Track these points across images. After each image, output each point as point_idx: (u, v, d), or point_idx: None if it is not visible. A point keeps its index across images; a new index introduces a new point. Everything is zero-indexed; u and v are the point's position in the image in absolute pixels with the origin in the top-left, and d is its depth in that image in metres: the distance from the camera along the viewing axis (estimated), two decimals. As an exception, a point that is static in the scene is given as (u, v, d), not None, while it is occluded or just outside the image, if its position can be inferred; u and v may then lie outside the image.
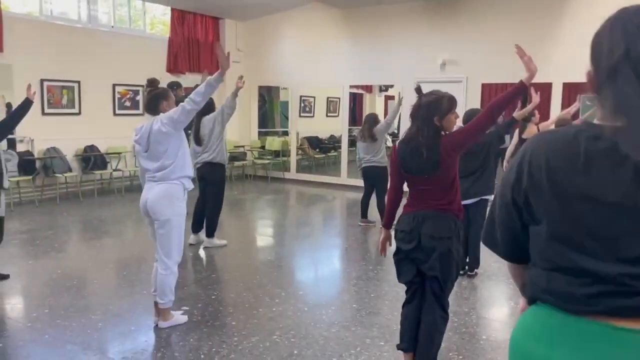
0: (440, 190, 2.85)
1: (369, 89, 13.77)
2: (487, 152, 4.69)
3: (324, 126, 13.97)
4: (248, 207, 8.69)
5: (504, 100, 2.83)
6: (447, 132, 2.82)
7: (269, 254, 5.85)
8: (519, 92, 2.82)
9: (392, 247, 3.10)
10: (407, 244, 2.87)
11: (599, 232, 1.07)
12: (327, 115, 14.37)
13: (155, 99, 3.63)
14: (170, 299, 3.70)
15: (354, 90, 11.70)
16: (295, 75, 10.94)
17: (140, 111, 9.83)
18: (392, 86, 13.39)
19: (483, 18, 8.67)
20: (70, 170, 8.67)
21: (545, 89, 8.98)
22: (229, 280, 4.86)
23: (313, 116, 13.74)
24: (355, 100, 13.25)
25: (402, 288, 4.48)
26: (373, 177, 6.77)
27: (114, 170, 9.18)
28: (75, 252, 5.96)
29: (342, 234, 6.95)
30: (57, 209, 7.88)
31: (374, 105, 15.03)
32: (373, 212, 6.98)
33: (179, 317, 3.82)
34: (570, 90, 8.56)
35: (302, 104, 12.84)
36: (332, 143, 13.41)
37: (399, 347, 3.06)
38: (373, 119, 6.79)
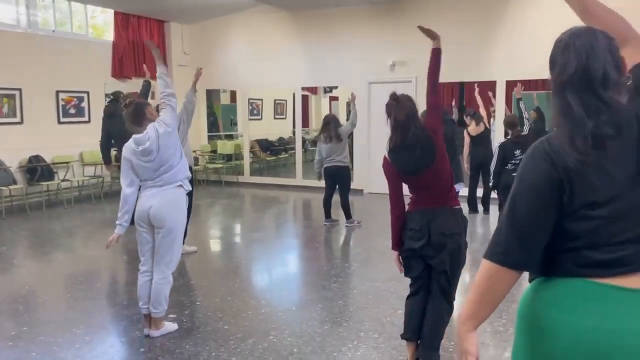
0: (442, 186, 2.98)
1: (314, 90, 13.92)
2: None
3: (272, 129, 13.99)
4: (206, 213, 8.58)
5: (434, 70, 3.09)
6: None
7: (243, 257, 5.83)
8: (438, 56, 3.10)
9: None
10: (417, 242, 2.94)
11: None
12: (275, 118, 14.41)
13: (139, 109, 3.60)
14: (164, 308, 3.65)
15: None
16: (244, 78, 10.90)
17: (87, 118, 9.50)
18: (336, 87, 13.62)
19: (430, 19, 8.98)
20: (14, 182, 8.23)
21: (489, 87, 9.49)
22: (209, 285, 4.81)
23: (261, 119, 13.72)
24: (301, 102, 13.37)
25: (384, 282, 4.68)
26: (337, 176, 6.90)
27: (62, 180, 8.80)
28: (37, 267, 5.69)
29: (309, 234, 7.02)
30: (4, 224, 7.46)
31: (319, 106, 15.21)
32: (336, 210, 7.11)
33: (169, 325, 3.77)
34: (513, 88, 9.05)
35: (250, 107, 12.80)
36: (283, 145, 13.46)
37: (403, 337, 3.18)
38: (335, 120, 6.93)
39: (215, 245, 6.56)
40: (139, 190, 3.64)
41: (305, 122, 12.89)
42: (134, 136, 3.54)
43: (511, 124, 5.93)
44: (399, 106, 2.94)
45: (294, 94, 11.40)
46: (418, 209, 2.99)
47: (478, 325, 1.41)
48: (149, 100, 6.73)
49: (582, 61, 1.27)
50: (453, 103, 9.15)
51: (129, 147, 3.55)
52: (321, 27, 9.93)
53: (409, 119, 2.92)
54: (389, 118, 2.99)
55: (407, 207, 3.09)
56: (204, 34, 11.18)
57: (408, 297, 3.22)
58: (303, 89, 10.91)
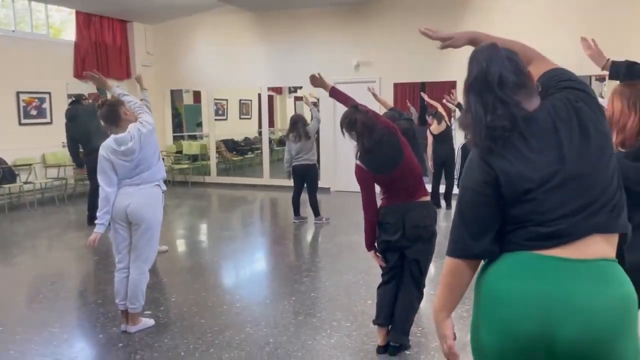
0: (415, 176, 3.20)
1: (279, 90, 14.03)
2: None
3: (238, 129, 14.03)
4: (174, 213, 8.59)
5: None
6: None
7: (214, 255, 5.91)
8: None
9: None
10: (393, 235, 3.16)
11: None
12: (240, 118, 14.45)
13: (114, 109, 3.65)
14: (141, 304, 3.73)
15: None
16: (210, 78, 10.93)
17: (49, 120, 9.36)
18: (300, 87, 13.76)
19: (393, 21, 9.27)
20: (-25, 185, 8.05)
21: (451, 87, 9.80)
22: (182, 283, 4.89)
23: (226, 119, 13.75)
24: (267, 102, 13.45)
25: (354, 275, 4.87)
26: (305, 175, 7.07)
27: (25, 183, 8.65)
28: (5, 270, 5.62)
29: (280, 231, 7.15)
30: (-34, 228, 7.31)
31: (284, 106, 15.34)
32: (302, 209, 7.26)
33: (146, 320, 3.85)
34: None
35: (215, 107, 12.81)
36: (249, 145, 13.52)
37: (375, 323, 3.36)
38: (302, 119, 7.09)
39: (185, 245, 6.61)
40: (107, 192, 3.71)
41: (271, 122, 12.98)
42: (114, 136, 3.61)
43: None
44: (359, 113, 3.16)
45: (259, 94, 11.50)
46: (392, 204, 3.19)
47: (450, 313, 1.61)
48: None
49: (483, 68, 1.51)
50: (408, 103, 9.40)
51: (108, 146, 3.60)
52: (286, 27, 10.07)
53: (366, 126, 3.12)
54: (349, 133, 3.20)
55: (380, 203, 3.29)
56: (168, 34, 11.15)
57: (380, 286, 3.41)
58: (268, 89, 11.01)
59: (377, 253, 3.30)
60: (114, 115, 3.63)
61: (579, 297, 1.39)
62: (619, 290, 1.42)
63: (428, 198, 3.30)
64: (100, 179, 3.62)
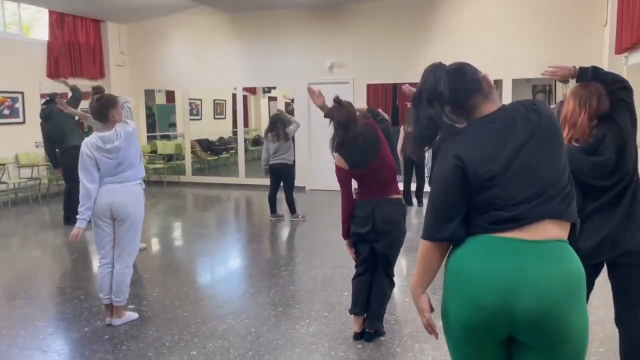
0: (390, 172, 3.40)
1: (253, 90, 14.13)
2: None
3: (212, 129, 14.09)
4: (151, 212, 8.64)
5: None
6: None
7: (193, 252, 6.02)
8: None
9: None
10: (363, 228, 3.38)
11: None
12: (214, 118, 14.51)
13: (104, 107, 3.72)
14: (126, 297, 3.85)
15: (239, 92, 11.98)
16: (184, 78, 10.98)
17: (22, 119, 9.29)
18: (274, 88, 13.90)
19: (367, 23, 9.49)
20: (-54, 185, 7.96)
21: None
22: (163, 279, 5.00)
23: (201, 119, 13.80)
24: (236, 102, 13.53)
25: (330, 269, 5.06)
26: (282, 173, 7.22)
27: (-2, 183, 8.58)
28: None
29: (257, 229, 7.29)
30: (-62, 228, 7.24)
31: (258, 106, 15.47)
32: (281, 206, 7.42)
33: (130, 314, 3.96)
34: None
35: (189, 107, 12.84)
36: (223, 145, 13.59)
37: (351, 312, 3.56)
38: (283, 119, 7.23)
39: (164, 243, 6.70)
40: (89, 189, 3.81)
41: (245, 122, 13.08)
42: (99, 134, 3.70)
43: None
44: (340, 108, 3.35)
45: (233, 94, 11.58)
46: (364, 199, 3.40)
47: (424, 289, 1.83)
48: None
49: (425, 83, 1.76)
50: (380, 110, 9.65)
51: (92, 143, 3.69)
52: (261, 28, 10.20)
53: (349, 118, 3.34)
54: (331, 120, 3.39)
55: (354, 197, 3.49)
56: (143, 34, 11.16)
57: (354, 277, 3.62)
58: (243, 89, 11.12)
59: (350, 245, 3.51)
60: (103, 113, 3.72)
61: (533, 273, 1.61)
62: (568, 265, 1.65)
63: (399, 196, 3.50)
64: (81, 175, 3.70)
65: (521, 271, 1.61)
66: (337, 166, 3.41)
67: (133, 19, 10.93)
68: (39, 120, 7.45)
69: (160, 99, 13.41)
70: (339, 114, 3.36)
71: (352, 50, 9.59)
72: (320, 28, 9.76)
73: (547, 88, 13.92)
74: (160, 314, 4.05)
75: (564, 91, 13.23)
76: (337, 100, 3.43)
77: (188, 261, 5.65)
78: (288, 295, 4.43)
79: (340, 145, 3.35)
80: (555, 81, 12.12)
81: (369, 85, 9.72)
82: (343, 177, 3.39)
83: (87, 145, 3.71)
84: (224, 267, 5.57)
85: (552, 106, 6.92)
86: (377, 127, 3.40)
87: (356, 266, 3.63)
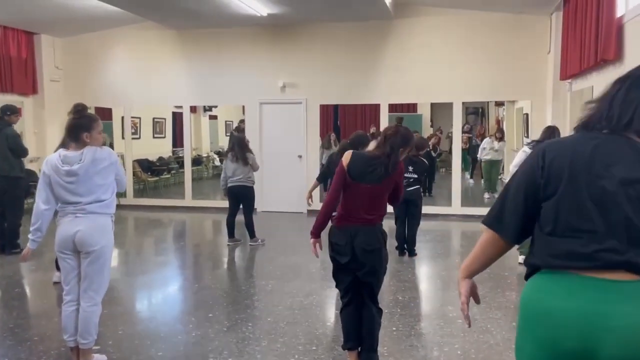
0: (374, 203, 3.23)
1: (193, 109, 13.71)
2: None
3: (151, 148, 13.48)
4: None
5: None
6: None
7: (152, 282, 5.61)
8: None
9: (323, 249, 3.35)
10: (343, 257, 3.22)
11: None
12: (154, 137, 13.90)
13: (76, 128, 3.34)
14: (94, 338, 3.45)
15: (178, 110, 11.56)
16: (124, 96, 10.46)
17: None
18: (215, 106, 13.58)
19: (318, 44, 9.46)
20: None
21: (374, 110, 10.17)
22: (125, 313, 4.59)
23: (139, 138, 13.17)
24: (176, 120, 13.07)
25: (305, 297, 4.87)
26: (241, 196, 6.95)
27: None
28: None
29: (216, 254, 6.94)
30: None
31: (199, 125, 15.01)
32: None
33: (98, 357, 3.57)
34: (396, 109, 9.84)
35: (125, 126, 12.22)
36: (165, 165, 13.03)
37: (344, 348, 3.38)
38: (241, 140, 6.97)
39: (118, 272, 6.19)
40: (58, 215, 3.43)
41: (181, 142, 12.63)
42: (63, 153, 3.33)
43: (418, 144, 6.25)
44: (397, 132, 3.23)
45: (173, 113, 11.13)
46: (342, 226, 3.23)
47: (468, 275, 1.81)
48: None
49: None
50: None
51: (51, 161, 3.32)
52: (210, 46, 9.91)
53: (394, 146, 3.17)
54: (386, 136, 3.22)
55: (333, 221, 3.32)
56: (80, 48, 10.53)
57: (342, 310, 3.43)
58: (181, 107, 10.70)
59: (318, 245, 3.27)
60: (75, 134, 3.34)
61: (618, 317, 1.47)
62: None
63: (379, 221, 3.31)
64: (37, 194, 3.39)
65: (603, 315, 1.48)
66: (341, 164, 3.21)
67: (70, 32, 10.30)
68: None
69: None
70: (394, 139, 3.20)
71: (305, 71, 9.52)
72: (273, 47, 9.62)
73: (480, 110, 14.51)
74: (131, 356, 3.68)
75: (496, 114, 13.88)
76: (399, 121, 3.38)
77: (148, 292, 5.25)
78: (268, 327, 4.18)
79: (361, 153, 3.33)
80: (487, 103, 12.65)
81: (321, 106, 9.68)
82: (340, 176, 3.20)
83: (47, 162, 3.35)
84: (191, 297, 5.17)
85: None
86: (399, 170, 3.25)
87: (341, 297, 3.46)
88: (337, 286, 3.44)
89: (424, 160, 6.40)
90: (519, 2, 8.20)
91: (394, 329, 4.13)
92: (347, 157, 3.21)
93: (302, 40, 9.49)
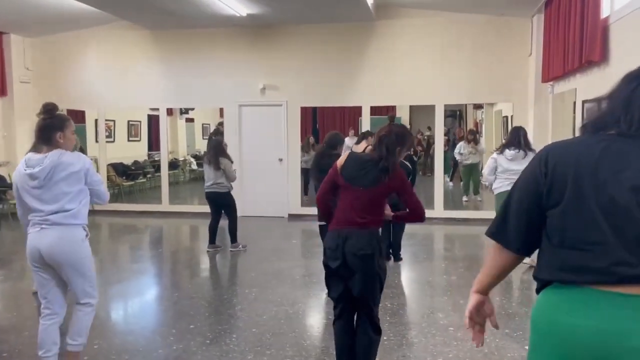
0: (367, 207, 3.03)
1: (169, 111, 13.40)
2: None
3: (126, 152, 13.12)
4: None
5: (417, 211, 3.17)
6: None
7: (130, 291, 5.35)
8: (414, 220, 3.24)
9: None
10: (334, 262, 3.02)
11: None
12: (128, 140, 13.54)
13: (48, 129, 3.08)
14: (84, 341, 3.27)
15: (154, 113, 11.27)
16: (99, 98, 10.12)
17: None
18: (192, 109, 13.32)
19: (299, 45, 9.30)
20: None
21: (353, 112, 10.04)
22: (99, 325, 4.31)
23: (114, 141, 12.80)
24: (152, 123, 12.75)
25: (290, 306, 4.69)
26: (217, 202, 6.76)
27: None
28: None
29: (196, 261, 6.69)
30: None
31: (175, 128, 14.69)
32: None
33: (72, 375, 3.33)
34: (376, 112, 9.74)
35: (98, 129, 11.86)
36: (140, 169, 12.69)
37: None
38: (218, 145, 6.76)
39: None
40: (29, 224, 3.19)
41: (157, 145, 12.33)
42: (29, 155, 3.10)
43: None
44: (391, 131, 3.06)
45: (148, 115, 10.82)
46: (334, 229, 3.06)
47: (480, 289, 1.72)
48: None
49: None
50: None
51: (19, 166, 3.12)
52: (188, 47, 9.65)
53: (390, 146, 2.99)
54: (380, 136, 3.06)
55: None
56: (52, 49, 10.16)
57: (334, 322, 3.24)
58: (154, 109, 10.42)
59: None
60: (45, 134, 3.08)
61: (636, 337, 1.33)
62: None
63: (375, 226, 3.09)
64: (17, 204, 3.24)
65: (623, 334, 1.33)
66: (335, 166, 3.10)
67: (41, 32, 9.93)
68: None
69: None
70: (388, 140, 3.03)
71: (286, 73, 9.34)
72: (253, 48, 9.42)
73: (458, 113, 14.54)
74: (108, 372, 3.45)
75: (474, 116, 13.91)
76: (391, 119, 3.21)
77: (124, 302, 5.00)
78: (253, 339, 3.98)
79: (356, 155, 3.17)
80: (465, 106, 12.66)
81: (302, 108, 9.51)
82: (335, 172, 3.09)
83: (16, 172, 3.15)
84: (171, 308, 4.91)
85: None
86: (395, 180, 3.04)
87: (334, 308, 3.28)
88: (328, 294, 3.25)
89: (407, 164, 6.30)
90: (500, 5, 8.17)
91: (385, 338, 3.96)
92: (342, 158, 3.09)
93: (282, 41, 9.32)
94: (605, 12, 5.66)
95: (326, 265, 3.11)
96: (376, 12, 8.67)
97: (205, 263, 6.56)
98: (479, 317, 1.75)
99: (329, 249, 3.06)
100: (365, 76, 9.08)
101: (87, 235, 3.23)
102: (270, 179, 9.48)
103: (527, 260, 5.69)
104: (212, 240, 6.85)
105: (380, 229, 3.17)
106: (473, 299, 1.72)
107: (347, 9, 8.21)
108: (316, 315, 4.62)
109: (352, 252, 2.97)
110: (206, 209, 7.14)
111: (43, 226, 3.08)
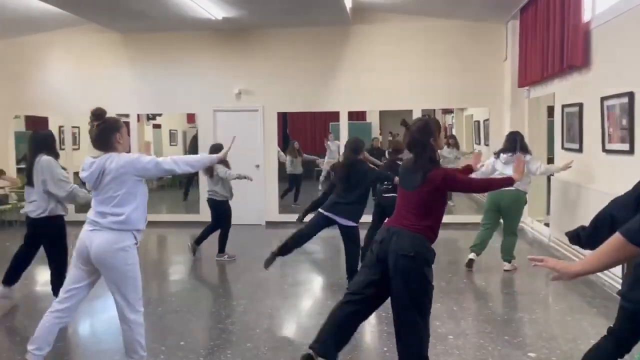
0: (416, 208, 3.00)
1: (137, 117, 13.04)
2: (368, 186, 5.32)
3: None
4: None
5: (492, 186, 3.56)
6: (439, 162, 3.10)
7: (109, 307, 5.04)
8: (505, 184, 3.38)
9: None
10: (374, 253, 3.06)
11: None
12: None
13: (105, 132, 3.09)
14: (141, 356, 3.16)
15: (124, 120, 10.91)
16: (66, 104, 9.72)
17: None
18: (160, 115, 13.01)
19: (276, 50, 9.15)
20: None
21: (328, 117, 9.93)
22: (80, 345, 4.08)
23: (79, 149, 12.33)
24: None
25: (283, 317, 4.56)
26: (212, 209, 6.64)
27: None
28: None
29: (174, 272, 6.45)
30: None
31: (142, 133, 14.28)
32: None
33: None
34: (352, 117, 9.68)
35: (64, 136, 11.40)
36: (108, 177, 12.26)
37: (311, 347, 3.09)
38: (216, 149, 6.55)
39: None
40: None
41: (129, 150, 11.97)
42: (85, 158, 3.13)
43: (396, 148, 6.30)
44: (412, 132, 3.10)
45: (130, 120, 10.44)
46: (385, 225, 3.16)
47: (581, 272, 1.84)
48: None
49: None
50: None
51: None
52: (160, 51, 9.39)
53: (421, 145, 3.04)
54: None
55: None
56: (16, 52, 9.71)
57: (337, 307, 3.17)
58: (126, 115, 10.08)
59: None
60: (104, 138, 3.10)
61: None
62: None
63: (423, 234, 3.00)
64: None
65: None
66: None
67: (2, 34, 9.47)
68: None
69: (19, 125, 11.69)
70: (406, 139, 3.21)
71: (261, 78, 9.18)
72: (228, 53, 9.22)
73: (426, 117, 14.65)
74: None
75: (444, 120, 14.02)
76: (404, 123, 3.20)
77: (107, 319, 4.72)
78: (250, 355, 3.81)
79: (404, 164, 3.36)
80: (434, 110, 12.78)
81: (279, 114, 9.41)
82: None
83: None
84: (157, 323, 4.60)
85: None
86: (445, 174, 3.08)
87: (346, 293, 3.16)
88: (351, 277, 3.24)
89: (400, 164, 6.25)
90: (476, 10, 8.23)
91: (385, 349, 3.86)
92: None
93: (258, 45, 9.16)
94: (586, 16, 5.74)
95: (372, 248, 3.12)
96: (353, 16, 8.62)
97: (186, 274, 6.32)
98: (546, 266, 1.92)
99: (375, 241, 3.08)
100: (343, 81, 9.01)
101: (136, 243, 3.14)
102: (247, 186, 9.24)
103: (507, 266, 5.69)
104: (220, 249, 6.68)
105: (431, 242, 3.07)
106: (572, 271, 1.83)
107: (324, 12, 8.12)
108: (311, 328, 4.46)
109: (394, 249, 2.94)
110: (176, 217, 6.82)
111: (95, 228, 3.05)
